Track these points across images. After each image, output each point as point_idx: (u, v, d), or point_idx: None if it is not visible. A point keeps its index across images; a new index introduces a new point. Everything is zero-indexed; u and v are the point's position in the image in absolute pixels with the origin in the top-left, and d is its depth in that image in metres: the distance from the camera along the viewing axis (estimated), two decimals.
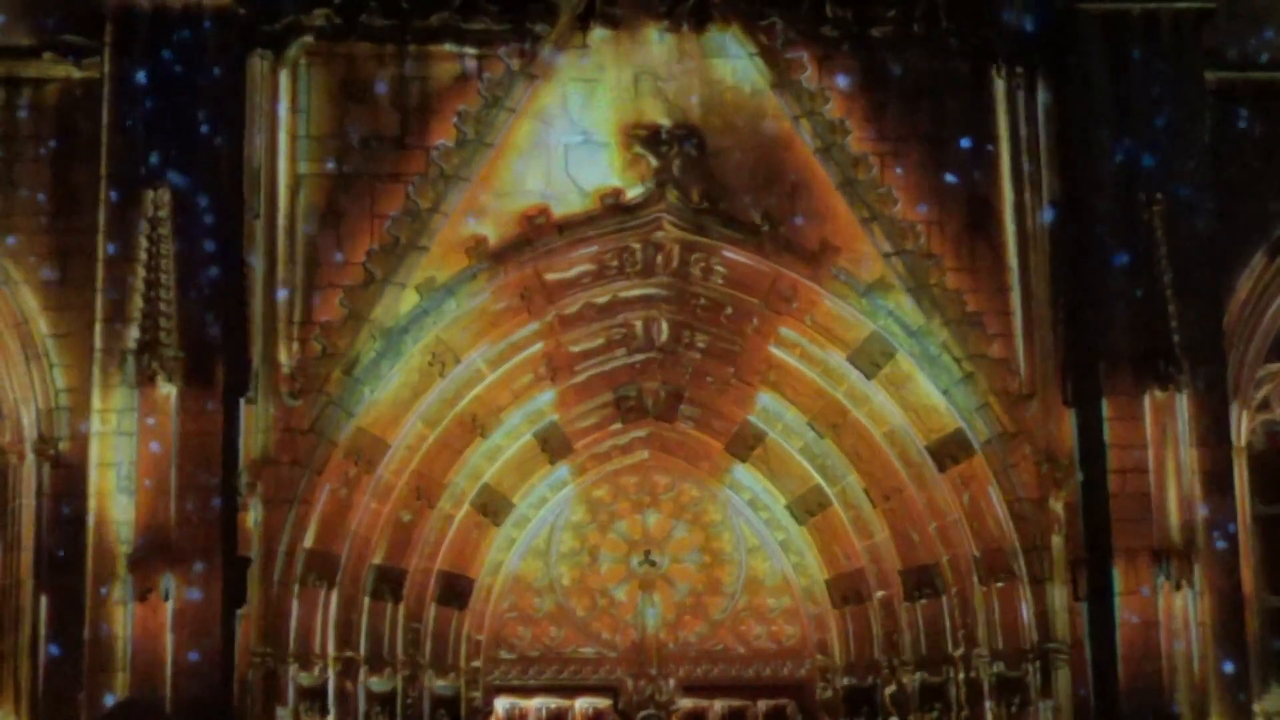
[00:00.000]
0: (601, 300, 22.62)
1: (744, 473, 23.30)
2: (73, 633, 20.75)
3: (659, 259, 22.40)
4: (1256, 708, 21.65)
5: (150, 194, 21.14)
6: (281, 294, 21.83)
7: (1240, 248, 22.67)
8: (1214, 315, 22.05)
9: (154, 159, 21.37)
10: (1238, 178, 22.68)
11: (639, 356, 23.02)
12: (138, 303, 20.90)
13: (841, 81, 22.60)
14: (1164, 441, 21.50)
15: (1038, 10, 22.79)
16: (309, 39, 22.30)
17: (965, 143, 22.67)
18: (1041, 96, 22.70)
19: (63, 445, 21.35)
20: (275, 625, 21.25)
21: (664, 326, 22.84)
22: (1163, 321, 21.53)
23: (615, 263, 22.40)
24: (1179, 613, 21.17)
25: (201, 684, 20.42)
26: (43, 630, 21.10)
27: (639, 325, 22.83)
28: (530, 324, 22.39)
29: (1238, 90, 22.90)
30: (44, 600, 21.11)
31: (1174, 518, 21.33)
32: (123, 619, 20.43)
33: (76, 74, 21.93)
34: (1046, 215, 22.46)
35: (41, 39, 21.98)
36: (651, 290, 22.62)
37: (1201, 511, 21.45)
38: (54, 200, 21.86)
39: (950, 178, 22.62)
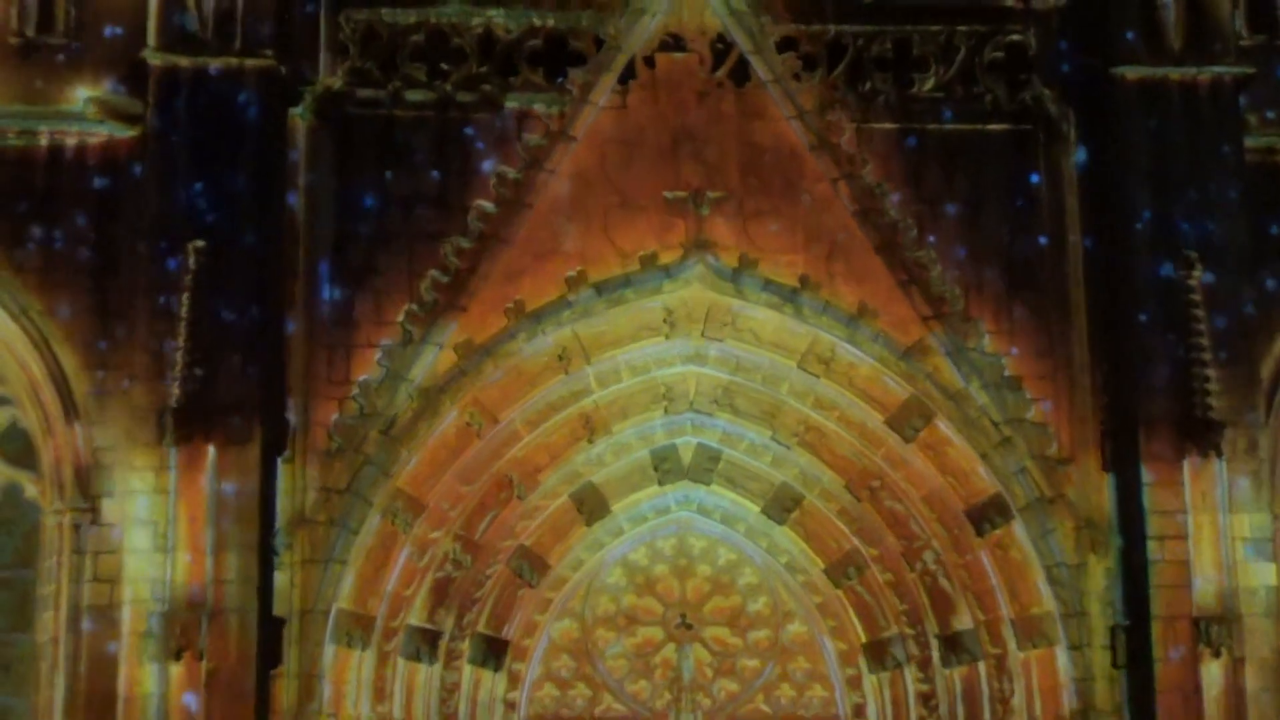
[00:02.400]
0: (638, 361, 22.61)
1: (781, 535, 23.23)
2: (106, 690, 20.73)
3: (695, 320, 22.39)
4: None
5: (190, 253, 21.24)
6: (319, 354, 21.88)
7: (1278, 312, 22.56)
8: (1252, 380, 21.96)
9: (195, 218, 21.46)
10: (1275, 241, 22.61)
11: (675, 417, 22.99)
12: (176, 361, 20.96)
13: (880, 143, 22.64)
14: (1203, 507, 21.42)
15: (1076, 74, 22.84)
16: (350, 99, 22.43)
17: (1003, 205, 22.69)
18: (1079, 160, 22.74)
19: (100, 503, 21.36)
20: (309, 685, 21.19)
21: (700, 387, 22.82)
22: (1201, 386, 21.48)
23: (652, 323, 22.40)
24: (1219, 680, 21.05)
25: None
26: (80, 687, 21.06)
27: (675, 386, 22.81)
28: (567, 384, 22.39)
29: (1276, 154, 22.87)
30: (79, 658, 21.07)
31: (1214, 584, 21.22)
32: (156, 678, 20.41)
33: (119, 133, 22.07)
34: (1085, 279, 22.44)
35: (85, 99, 22.10)
36: (689, 351, 22.60)
37: (1241, 578, 21.29)
38: (95, 258, 21.95)
39: (989, 240, 22.61)
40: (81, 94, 22.16)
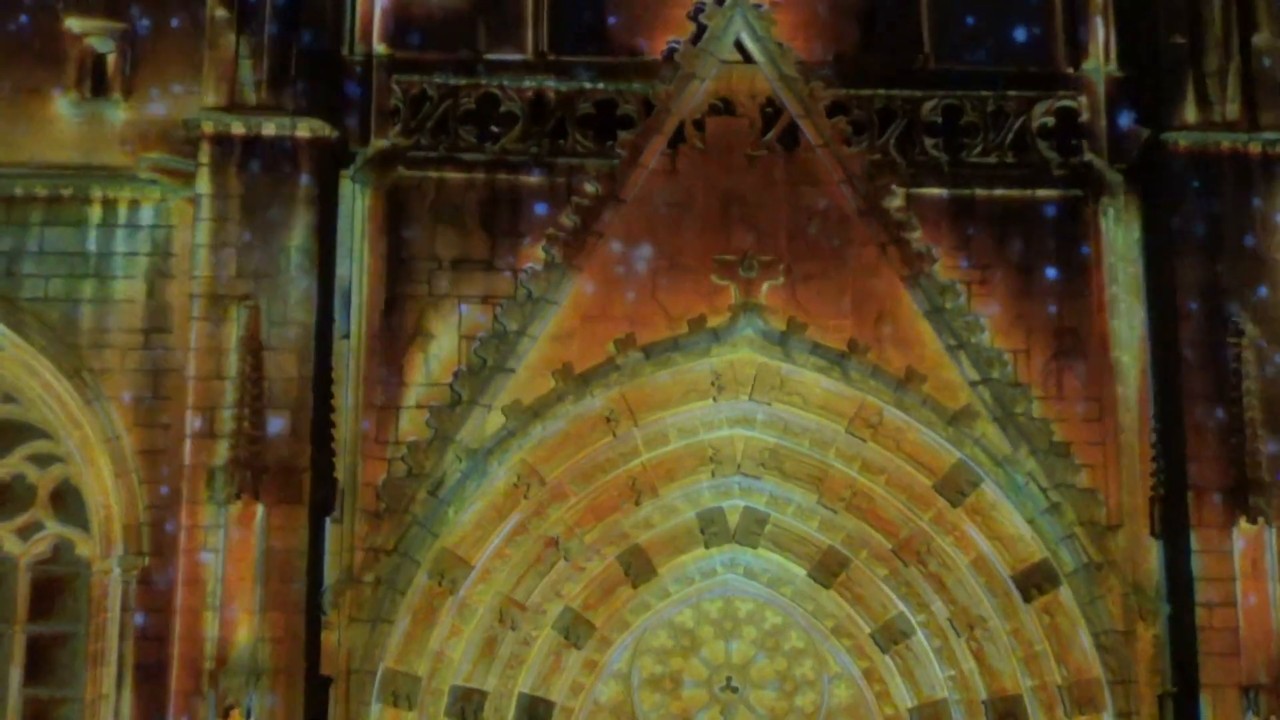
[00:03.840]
0: (686, 423, 22.62)
1: (828, 599, 23.17)
2: None
3: (743, 384, 22.40)
4: None
5: (241, 312, 21.38)
6: (368, 414, 21.97)
7: None
8: None
9: (245, 277, 21.62)
10: None
11: (722, 480, 22.98)
12: (226, 420, 21.09)
13: (930, 209, 22.67)
14: (1253, 574, 21.33)
15: (1127, 140, 22.85)
16: (401, 161, 22.57)
17: (1053, 271, 22.69)
18: (1130, 226, 22.76)
19: (149, 561, 21.46)
20: None
21: (747, 450, 22.80)
22: (1251, 454, 21.41)
23: (700, 386, 22.41)
24: None
25: None
26: None
27: (723, 448, 22.80)
28: (615, 446, 22.41)
29: None
30: (128, 715, 21.14)
31: (1263, 652, 21.11)
32: None
33: (172, 193, 22.25)
34: (1134, 346, 22.41)
35: (137, 160, 22.29)
36: (736, 414, 22.61)
37: None
38: (146, 317, 22.13)
39: (1038, 306, 22.61)
40: (135, 154, 22.35)
